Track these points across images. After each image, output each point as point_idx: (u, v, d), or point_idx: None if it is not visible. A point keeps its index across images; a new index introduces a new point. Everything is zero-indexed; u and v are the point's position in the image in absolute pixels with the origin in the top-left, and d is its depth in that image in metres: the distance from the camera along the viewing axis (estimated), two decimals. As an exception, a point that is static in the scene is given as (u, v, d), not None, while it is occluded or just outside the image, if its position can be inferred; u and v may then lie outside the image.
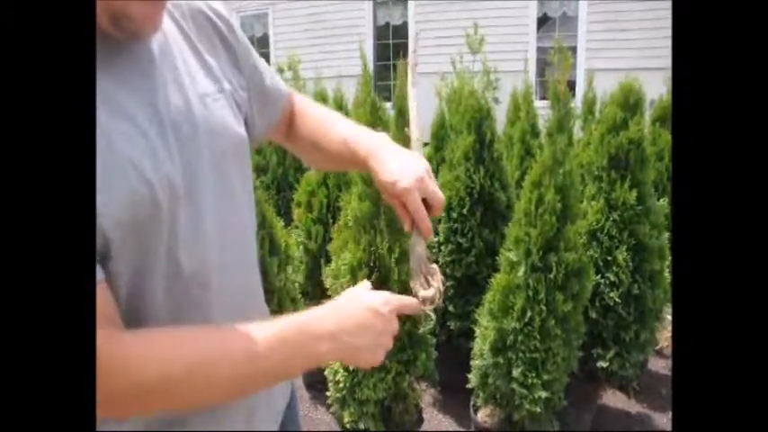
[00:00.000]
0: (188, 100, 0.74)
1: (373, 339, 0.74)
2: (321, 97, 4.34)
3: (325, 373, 2.13)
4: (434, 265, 0.86)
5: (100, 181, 0.61)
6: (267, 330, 0.69)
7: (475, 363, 2.06)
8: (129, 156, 0.65)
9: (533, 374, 1.87)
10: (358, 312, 0.74)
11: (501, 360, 1.92)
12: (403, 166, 0.86)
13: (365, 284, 0.79)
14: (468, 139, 2.59)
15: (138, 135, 0.67)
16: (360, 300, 0.76)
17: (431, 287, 0.82)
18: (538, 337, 1.86)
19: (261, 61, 0.94)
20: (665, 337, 3.48)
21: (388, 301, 0.76)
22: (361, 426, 2.03)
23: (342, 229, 2.16)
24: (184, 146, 0.72)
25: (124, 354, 0.62)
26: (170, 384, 0.64)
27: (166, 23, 0.77)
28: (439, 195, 0.87)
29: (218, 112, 0.78)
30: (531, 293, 1.90)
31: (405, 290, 1.98)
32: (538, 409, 1.88)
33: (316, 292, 2.84)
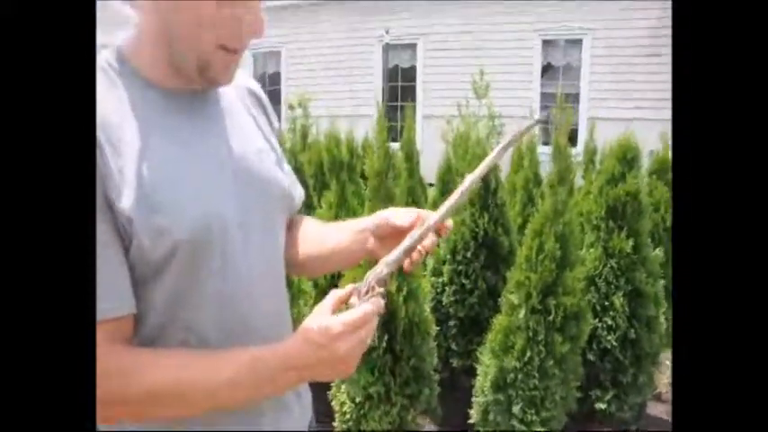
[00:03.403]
0: (247, 151, 0.90)
1: (325, 368, 0.76)
2: (333, 139, 4.49)
3: (333, 404, 2.22)
4: (381, 290, 0.82)
5: (170, 206, 0.76)
6: (241, 360, 0.78)
7: (477, 399, 2.16)
8: (195, 189, 0.80)
9: (532, 411, 1.97)
10: (299, 350, 0.75)
11: (501, 397, 2.02)
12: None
13: (320, 307, 0.79)
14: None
15: (205, 174, 0.82)
16: (299, 335, 0.76)
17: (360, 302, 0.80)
18: (537, 375, 1.96)
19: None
20: (663, 382, 3.55)
21: (326, 328, 0.74)
22: (367, 457, 2.12)
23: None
24: (241, 188, 0.87)
25: (117, 366, 0.73)
26: (153, 398, 0.75)
27: (226, 88, 0.93)
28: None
29: (270, 165, 0.94)
30: (530, 334, 2.02)
31: (411, 327, 2.10)
32: (536, 446, 1.98)
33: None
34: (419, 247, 0.86)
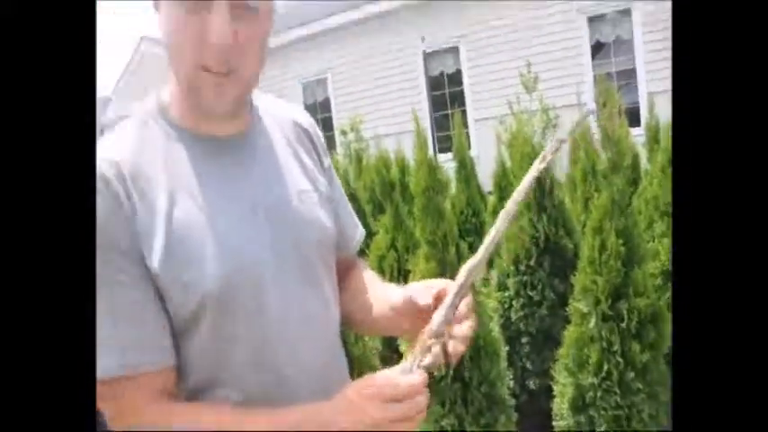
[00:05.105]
0: (285, 194, 0.84)
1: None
2: (383, 159, 4.42)
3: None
4: (434, 341, 0.75)
5: (195, 261, 0.74)
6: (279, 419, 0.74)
7: (557, 423, 2.00)
8: (225, 238, 0.76)
9: (619, 432, 1.79)
10: (327, 404, 0.73)
11: (582, 419, 1.86)
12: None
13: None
14: (526, 188, 2.58)
15: (234, 221, 0.78)
16: (334, 403, 0.73)
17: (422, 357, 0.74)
18: (618, 391, 1.79)
19: (340, 189, 1.00)
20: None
21: (362, 387, 0.71)
22: (448, 495, 2.01)
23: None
24: (276, 234, 0.81)
25: (152, 420, 0.73)
26: None
27: (270, 126, 0.88)
28: None
29: (313, 207, 0.88)
30: (604, 345, 1.85)
31: (478, 351, 1.98)
32: (629, 469, 1.80)
33: (393, 358, 2.86)
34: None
